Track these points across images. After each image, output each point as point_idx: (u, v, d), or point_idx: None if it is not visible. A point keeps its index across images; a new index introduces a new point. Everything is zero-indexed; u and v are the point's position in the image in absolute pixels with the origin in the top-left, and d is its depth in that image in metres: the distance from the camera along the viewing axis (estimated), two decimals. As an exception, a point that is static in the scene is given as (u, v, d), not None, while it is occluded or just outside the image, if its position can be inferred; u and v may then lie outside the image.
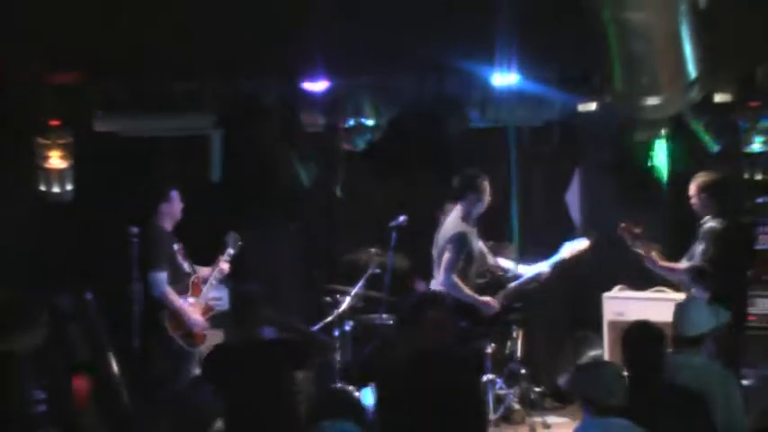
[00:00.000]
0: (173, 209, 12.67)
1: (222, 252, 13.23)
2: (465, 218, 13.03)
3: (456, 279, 12.81)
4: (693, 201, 12.35)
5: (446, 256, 12.81)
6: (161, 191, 12.78)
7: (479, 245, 13.28)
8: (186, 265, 12.99)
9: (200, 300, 12.90)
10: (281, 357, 10.59)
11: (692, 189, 12.25)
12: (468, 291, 12.92)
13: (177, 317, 12.51)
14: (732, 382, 9.97)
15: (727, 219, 12.35)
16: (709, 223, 12.51)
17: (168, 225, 12.70)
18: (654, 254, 12.54)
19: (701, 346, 10.20)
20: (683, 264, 12.20)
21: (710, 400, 9.49)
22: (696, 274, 11.91)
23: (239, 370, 10.19)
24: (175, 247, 12.75)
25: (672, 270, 12.38)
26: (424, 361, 10.10)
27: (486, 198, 12.99)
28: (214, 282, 13.13)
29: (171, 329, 12.45)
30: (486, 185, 12.98)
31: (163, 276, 12.48)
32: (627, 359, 9.23)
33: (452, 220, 13.03)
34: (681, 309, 10.64)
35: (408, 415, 9.76)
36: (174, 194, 12.72)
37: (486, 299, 13.08)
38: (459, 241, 12.89)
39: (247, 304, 11.11)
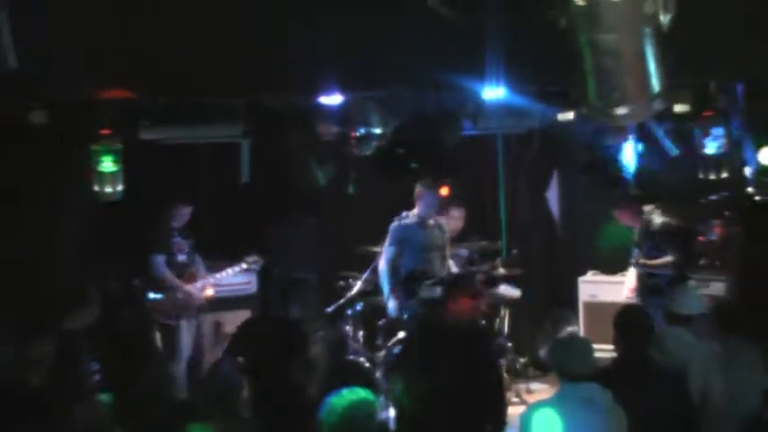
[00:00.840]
0: (176, 214, 13.31)
1: (236, 262, 13.45)
2: (421, 214, 13.34)
3: (382, 265, 13.28)
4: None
5: None
6: (171, 202, 13.42)
7: (427, 239, 13.42)
8: (183, 257, 13.52)
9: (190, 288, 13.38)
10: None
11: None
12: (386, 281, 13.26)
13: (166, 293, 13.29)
14: (714, 362, 9.93)
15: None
16: (657, 220, 12.75)
17: (175, 223, 13.32)
18: (642, 260, 12.83)
19: (691, 325, 10.21)
20: (664, 259, 12.52)
21: (691, 374, 9.50)
22: (679, 264, 12.16)
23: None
24: (177, 239, 13.38)
25: (660, 266, 12.60)
26: (454, 336, 10.21)
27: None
28: (211, 280, 13.51)
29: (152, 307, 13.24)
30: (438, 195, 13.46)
31: (160, 259, 13.17)
32: (616, 341, 9.25)
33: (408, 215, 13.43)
34: (677, 291, 10.72)
35: (438, 384, 9.82)
36: (180, 207, 13.35)
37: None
38: (391, 231, 13.31)
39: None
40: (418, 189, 13.31)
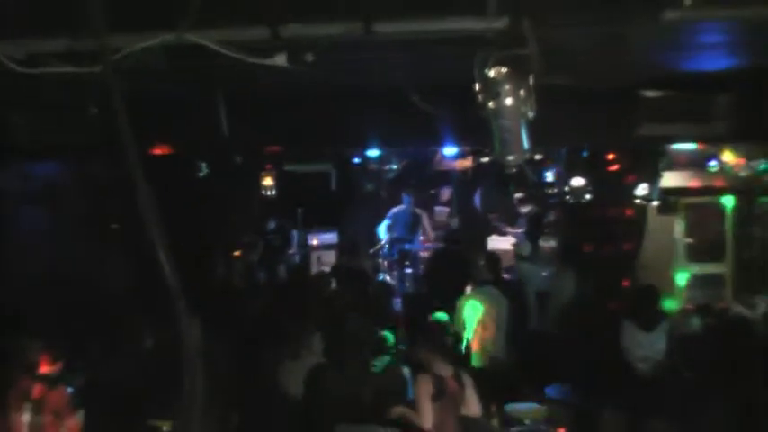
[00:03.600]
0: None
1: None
2: (402, 207, 13.33)
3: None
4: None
5: None
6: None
7: (403, 220, 13.37)
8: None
9: None
10: None
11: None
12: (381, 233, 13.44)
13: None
14: (541, 276, 10.04)
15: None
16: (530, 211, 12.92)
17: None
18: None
19: (529, 260, 10.30)
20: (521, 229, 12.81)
21: (530, 286, 9.62)
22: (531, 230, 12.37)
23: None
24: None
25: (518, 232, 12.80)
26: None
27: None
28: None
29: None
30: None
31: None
32: (491, 268, 9.36)
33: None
34: (520, 244, 10.82)
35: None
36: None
37: None
38: (389, 213, 13.38)
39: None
40: (403, 195, 13.34)
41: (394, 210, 13.36)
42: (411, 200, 13.34)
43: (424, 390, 6.01)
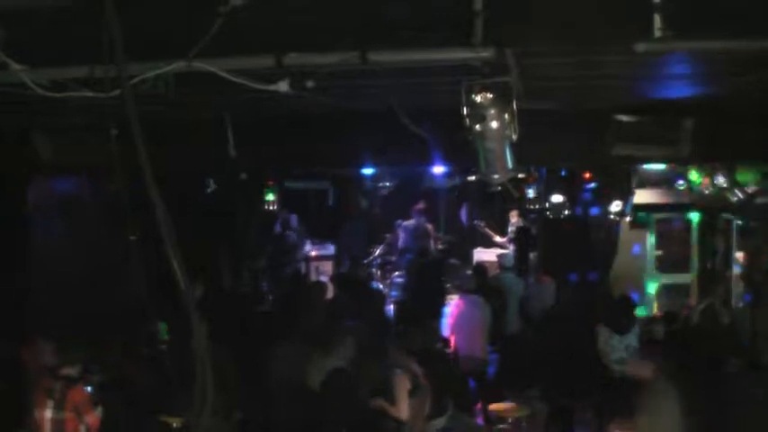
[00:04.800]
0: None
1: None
2: (412, 221, 13.31)
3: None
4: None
5: None
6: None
7: (412, 232, 13.35)
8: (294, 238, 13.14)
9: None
10: None
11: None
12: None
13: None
14: (523, 285, 10.01)
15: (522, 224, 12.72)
16: (512, 219, 12.81)
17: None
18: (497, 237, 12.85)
19: (512, 270, 10.25)
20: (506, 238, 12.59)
21: (512, 294, 9.57)
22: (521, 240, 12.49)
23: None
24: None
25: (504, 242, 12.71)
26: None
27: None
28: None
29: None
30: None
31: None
32: (477, 278, 9.34)
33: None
34: (504, 256, 10.77)
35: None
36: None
37: None
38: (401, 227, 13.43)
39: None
40: (413, 212, 13.36)
41: (404, 223, 13.40)
42: (416, 215, 13.42)
43: (402, 386, 6.05)
